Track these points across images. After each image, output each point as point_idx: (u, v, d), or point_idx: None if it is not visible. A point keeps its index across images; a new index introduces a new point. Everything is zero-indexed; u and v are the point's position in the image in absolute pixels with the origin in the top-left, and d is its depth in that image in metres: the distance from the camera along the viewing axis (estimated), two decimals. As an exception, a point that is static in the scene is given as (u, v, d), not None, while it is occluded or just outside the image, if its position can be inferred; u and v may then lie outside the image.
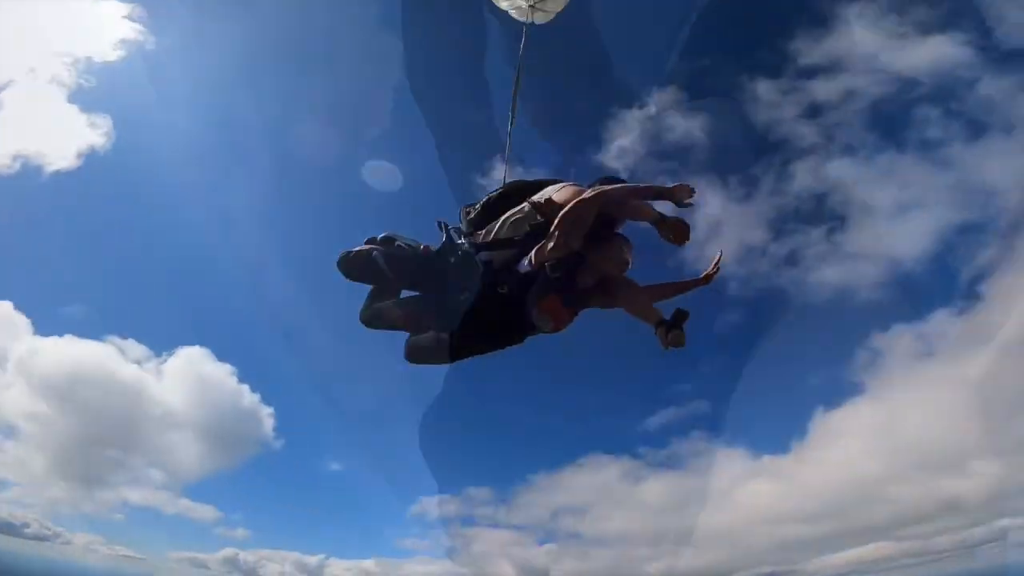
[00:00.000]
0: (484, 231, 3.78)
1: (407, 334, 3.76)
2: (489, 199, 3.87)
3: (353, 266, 3.64)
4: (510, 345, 3.58)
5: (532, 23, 5.67)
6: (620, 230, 3.68)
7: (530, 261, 3.39)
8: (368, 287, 3.85)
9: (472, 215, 3.90)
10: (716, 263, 3.71)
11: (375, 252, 3.64)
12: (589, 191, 3.33)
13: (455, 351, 3.60)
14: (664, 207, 3.47)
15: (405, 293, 3.89)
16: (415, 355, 3.72)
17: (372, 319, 3.79)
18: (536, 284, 3.34)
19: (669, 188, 3.30)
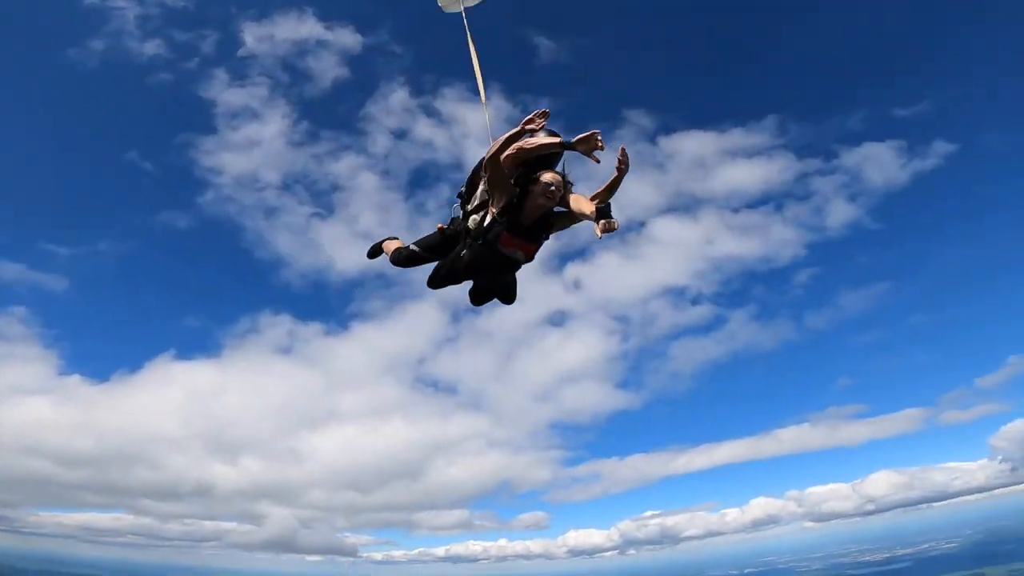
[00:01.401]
0: (470, 202, 4.80)
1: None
2: (469, 175, 4.89)
3: (400, 262, 5.10)
4: (509, 274, 4.71)
5: (464, 8, 6.35)
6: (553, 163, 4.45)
7: (491, 215, 4.37)
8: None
9: (463, 191, 4.94)
10: (622, 155, 4.13)
11: (411, 247, 5.01)
12: (492, 148, 4.12)
13: (485, 291, 4.84)
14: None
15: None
16: (474, 300, 4.97)
17: (435, 285, 4.91)
18: (492, 231, 4.31)
19: (572, 142, 4.01)
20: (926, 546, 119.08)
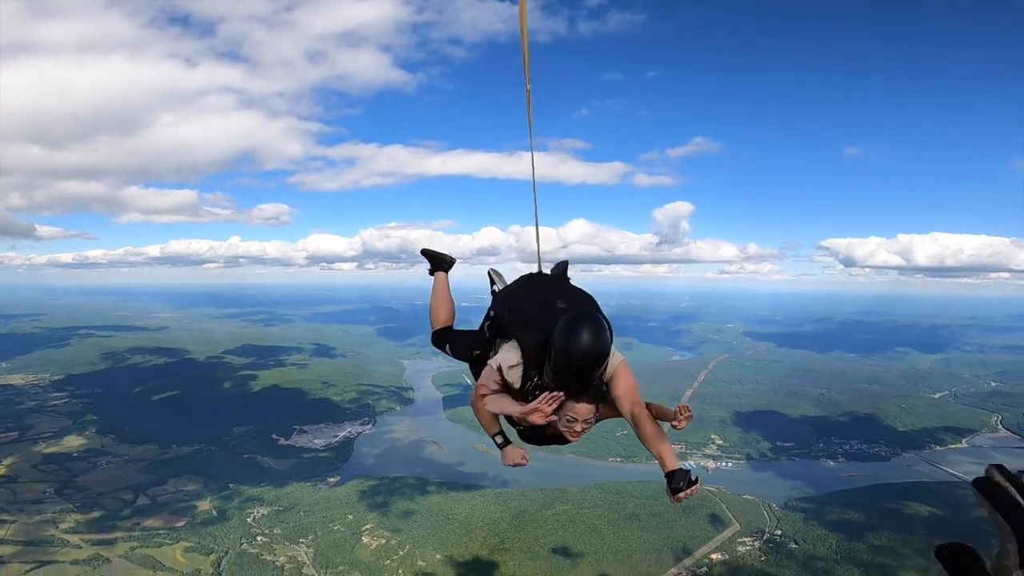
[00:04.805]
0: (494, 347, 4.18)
1: None
2: (489, 313, 4.36)
3: (436, 345, 4.86)
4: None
5: None
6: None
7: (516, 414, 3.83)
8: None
9: (489, 321, 4.33)
10: (687, 416, 3.55)
11: (447, 347, 4.72)
12: (481, 390, 3.83)
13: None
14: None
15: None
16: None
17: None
18: (511, 426, 4.02)
19: (520, 412, 3.46)
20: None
